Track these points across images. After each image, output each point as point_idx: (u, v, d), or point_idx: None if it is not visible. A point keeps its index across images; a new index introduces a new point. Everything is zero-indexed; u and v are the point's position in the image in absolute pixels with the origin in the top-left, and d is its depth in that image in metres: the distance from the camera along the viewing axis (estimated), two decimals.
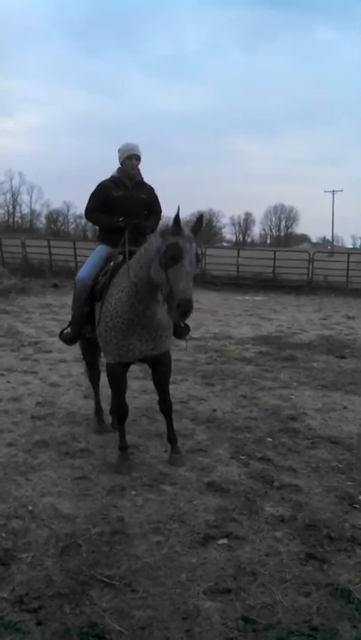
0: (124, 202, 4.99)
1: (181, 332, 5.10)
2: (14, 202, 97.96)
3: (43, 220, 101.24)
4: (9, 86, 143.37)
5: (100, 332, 4.63)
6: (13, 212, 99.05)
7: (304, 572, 3.23)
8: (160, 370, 4.84)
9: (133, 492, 4.19)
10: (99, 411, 5.69)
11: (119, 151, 5.08)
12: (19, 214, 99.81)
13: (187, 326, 5.06)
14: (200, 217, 4.22)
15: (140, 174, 5.15)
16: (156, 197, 5.20)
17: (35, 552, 3.35)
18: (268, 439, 5.38)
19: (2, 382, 7.11)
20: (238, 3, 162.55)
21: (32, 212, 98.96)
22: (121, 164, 5.08)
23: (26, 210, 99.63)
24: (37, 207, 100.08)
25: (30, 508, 3.89)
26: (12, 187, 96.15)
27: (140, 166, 5.14)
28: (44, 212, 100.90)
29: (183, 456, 4.84)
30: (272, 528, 3.74)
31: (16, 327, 11.28)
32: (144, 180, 5.19)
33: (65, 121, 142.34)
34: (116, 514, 3.85)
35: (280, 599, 2.97)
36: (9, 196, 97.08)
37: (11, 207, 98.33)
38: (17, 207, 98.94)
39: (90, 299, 4.98)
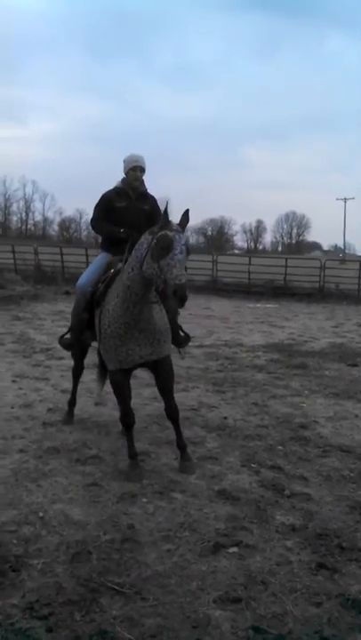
0: (126, 213, 5.05)
1: (181, 340, 5.19)
2: (27, 209, 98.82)
3: (55, 227, 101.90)
4: (22, 95, 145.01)
5: (100, 339, 4.69)
6: (26, 220, 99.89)
7: (315, 582, 3.22)
8: (162, 375, 4.84)
9: (144, 500, 4.19)
10: (72, 403, 5.99)
11: (124, 162, 5.14)
12: (32, 221, 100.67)
13: (187, 335, 5.23)
14: (186, 212, 4.27)
15: (144, 185, 5.20)
16: (158, 209, 5.12)
17: (45, 559, 3.36)
18: (279, 447, 5.37)
19: (14, 388, 7.15)
20: (248, 11, 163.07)
21: (45, 219, 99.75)
22: (125, 174, 5.14)
23: (39, 217, 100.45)
24: (50, 214, 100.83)
25: (41, 514, 3.90)
26: (25, 194, 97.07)
27: (144, 177, 5.20)
28: (57, 219, 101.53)
29: (194, 463, 4.84)
30: (283, 537, 3.72)
31: (28, 334, 11.35)
32: (147, 190, 5.24)
33: (77, 129, 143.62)
34: (126, 521, 3.85)
35: (291, 609, 2.96)
36: (22, 203, 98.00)
37: (24, 214, 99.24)
38: (30, 214, 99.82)
39: (89, 305, 5.03)
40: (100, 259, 5.32)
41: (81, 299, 5.14)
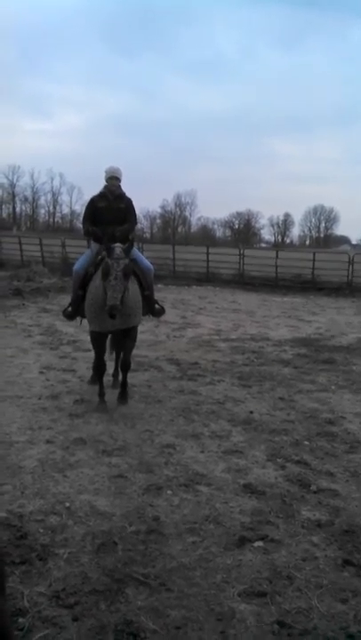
0: (106, 211, 6.44)
1: (157, 312, 6.92)
2: (55, 202, 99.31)
3: None
4: (49, 89, 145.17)
5: (85, 307, 6.18)
6: (54, 213, 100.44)
7: (341, 578, 3.19)
8: (127, 339, 6.39)
9: (169, 492, 4.20)
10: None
11: (105, 172, 6.53)
12: (59, 214, 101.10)
13: (162, 308, 7.00)
14: (132, 239, 5.89)
15: (120, 189, 6.55)
16: (132, 208, 6.56)
17: (71, 548, 3.39)
18: (306, 442, 5.33)
19: (41, 380, 7.22)
20: (272, 2, 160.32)
21: (72, 212, 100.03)
22: (106, 181, 6.53)
23: (66, 210, 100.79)
24: (77, 207, 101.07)
25: (68, 504, 3.94)
26: (52, 187, 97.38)
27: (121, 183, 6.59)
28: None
29: (127, 397, 6.36)
30: (308, 532, 3.70)
31: (55, 326, 11.44)
32: (124, 193, 6.56)
33: (103, 122, 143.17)
34: (151, 513, 3.87)
35: (316, 604, 2.94)
36: (50, 196, 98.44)
37: (51, 207, 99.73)
38: (57, 207, 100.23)
39: (82, 284, 6.35)
40: (91, 248, 6.64)
41: (76, 279, 6.52)
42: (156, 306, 6.87)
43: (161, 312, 6.97)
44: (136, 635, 2.66)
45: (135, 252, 6.57)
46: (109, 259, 5.52)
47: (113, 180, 6.49)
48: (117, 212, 6.45)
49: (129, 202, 6.53)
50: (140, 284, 6.32)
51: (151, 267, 6.79)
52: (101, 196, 6.52)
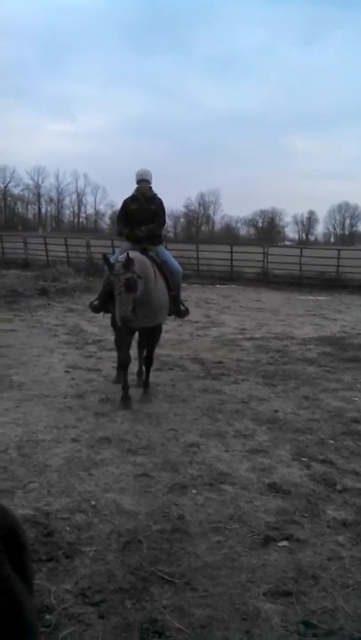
0: (138, 212, 6.71)
1: (181, 312, 7.19)
2: (79, 202, 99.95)
3: (107, 220, 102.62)
4: (70, 90, 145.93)
5: (114, 304, 6.13)
6: (78, 213, 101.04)
7: None
8: (152, 337, 6.76)
9: (194, 491, 4.21)
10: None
11: (136, 175, 6.80)
12: (83, 215, 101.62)
13: (186, 309, 7.27)
14: (127, 257, 5.75)
15: (151, 191, 6.78)
16: (162, 209, 6.83)
17: (97, 546, 3.42)
18: (331, 441, 5.29)
19: (67, 379, 7.29)
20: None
21: (96, 212, 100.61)
22: (137, 184, 6.80)
23: (90, 210, 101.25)
24: (102, 208, 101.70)
25: (93, 502, 3.97)
26: (77, 188, 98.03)
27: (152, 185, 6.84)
28: (108, 212, 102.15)
29: (150, 395, 6.52)
30: (334, 532, 3.68)
31: (80, 325, 11.53)
32: (155, 195, 6.81)
33: (124, 122, 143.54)
34: (176, 512, 3.88)
35: (342, 605, 2.92)
36: (74, 196, 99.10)
37: (76, 208, 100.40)
38: (82, 208, 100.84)
39: (110, 281, 6.38)
40: (121, 245, 6.95)
41: (106, 275, 6.60)
42: (182, 307, 7.12)
43: (185, 313, 7.24)
44: (161, 633, 2.68)
45: (165, 254, 6.98)
46: (111, 275, 5.88)
47: (143, 182, 6.75)
48: (148, 212, 6.71)
49: (159, 203, 6.80)
50: (167, 285, 6.57)
51: (180, 269, 7.05)
52: (133, 198, 6.81)
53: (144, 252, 6.24)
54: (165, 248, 7.64)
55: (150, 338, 6.76)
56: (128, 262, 5.73)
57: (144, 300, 5.97)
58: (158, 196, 6.86)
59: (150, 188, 6.80)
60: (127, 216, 6.81)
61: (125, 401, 6.21)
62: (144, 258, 6.11)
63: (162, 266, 6.60)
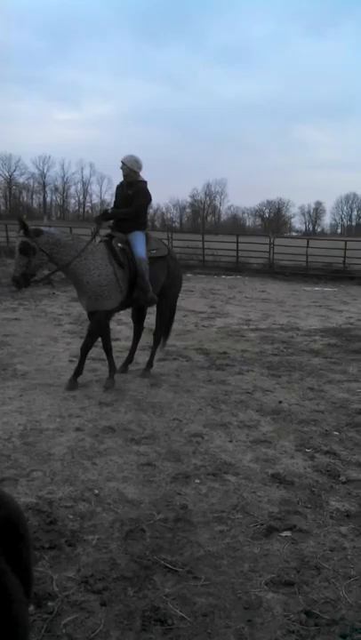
0: (118, 198, 6.92)
1: (146, 301, 6.91)
2: (85, 192, 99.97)
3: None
4: (78, 78, 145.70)
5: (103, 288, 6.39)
6: (84, 202, 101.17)
7: None
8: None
9: (197, 481, 4.22)
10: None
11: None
12: (89, 204, 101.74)
13: (153, 299, 6.96)
14: (25, 225, 5.95)
15: (133, 176, 6.78)
16: (139, 194, 6.73)
17: (100, 535, 3.43)
18: (335, 433, 5.29)
19: (71, 368, 7.26)
20: None
21: (102, 201, 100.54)
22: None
23: (96, 200, 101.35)
24: (107, 197, 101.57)
25: (96, 491, 3.98)
26: (82, 177, 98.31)
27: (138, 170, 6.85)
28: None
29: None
30: (337, 523, 3.68)
31: (85, 315, 11.46)
32: (140, 180, 6.80)
33: (132, 111, 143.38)
34: (179, 501, 3.89)
35: (344, 595, 2.92)
36: (80, 186, 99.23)
37: (82, 197, 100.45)
38: (87, 197, 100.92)
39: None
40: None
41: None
42: (148, 295, 6.72)
43: (151, 302, 6.90)
44: (163, 621, 2.68)
45: (136, 238, 6.67)
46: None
47: (122, 166, 6.79)
48: (126, 197, 6.80)
49: (138, 188, 6.77)
50: (129, 273, 6.55)
51: (144, 256, 6.62)
52: (120, 183, 6.98)
53: (109, 239, 6.58)
54: (171, 238, 7.65)
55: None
56: (25, 227, 5.95)
57: (79, 285, 6.31)
58: (144, 181, 6.86)
59: (134, 173, 6.79)
60: (115, 201, 7.04)
61: (72, 382, 6.47)
62: (74, 242, 6.32)
63: (120, 253, 6.49)
